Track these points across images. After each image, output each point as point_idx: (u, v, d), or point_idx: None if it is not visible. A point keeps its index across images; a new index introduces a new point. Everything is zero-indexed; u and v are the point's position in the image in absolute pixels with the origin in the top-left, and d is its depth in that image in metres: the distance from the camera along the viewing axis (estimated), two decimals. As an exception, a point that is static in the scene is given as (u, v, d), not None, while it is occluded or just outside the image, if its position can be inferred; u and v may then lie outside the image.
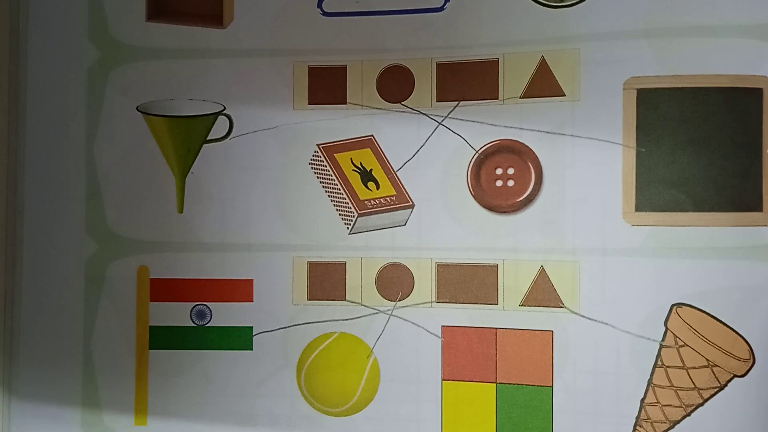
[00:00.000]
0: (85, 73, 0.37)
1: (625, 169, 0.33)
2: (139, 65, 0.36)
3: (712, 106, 0.33)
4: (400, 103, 0.35)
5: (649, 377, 0.33)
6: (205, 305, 0.36)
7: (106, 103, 0.37)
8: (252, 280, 0.36)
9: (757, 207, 0.33)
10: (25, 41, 0.37)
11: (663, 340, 0.33)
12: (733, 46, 0.33)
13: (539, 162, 0.34)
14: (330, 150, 0.36)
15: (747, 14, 0.33)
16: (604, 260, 0.33)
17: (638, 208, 0.33)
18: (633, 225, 0.33)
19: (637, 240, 0.33)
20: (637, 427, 0.33)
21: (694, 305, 0.33)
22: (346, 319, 0.36)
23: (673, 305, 0.33)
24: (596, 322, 0.33)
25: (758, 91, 0.33)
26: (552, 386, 0.34)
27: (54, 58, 0.37)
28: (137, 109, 0.36)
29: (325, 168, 0.36)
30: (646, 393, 0.33)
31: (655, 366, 0.33)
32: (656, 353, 0.33)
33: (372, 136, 0.36)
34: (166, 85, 0.36)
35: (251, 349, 0.36)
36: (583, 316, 0.34)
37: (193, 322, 0.36)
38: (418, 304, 0.35)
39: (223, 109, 0.36)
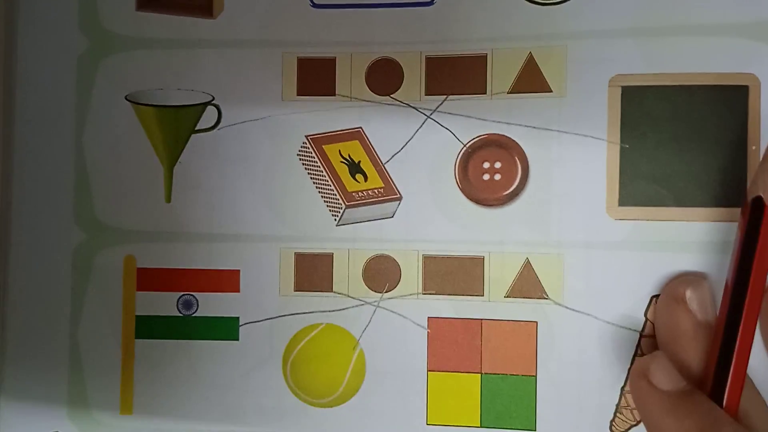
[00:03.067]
0: (75, 62, 0.39)
1: (610, 165, 0.36)
2: (129, 55, 0.39)
3: (696, 104, 0.36)
4: (389, 95, 0.38)
5: (629, 366, 0.36)
6: (191, 295, 0.39)
7: (95, 92, 0.39)
8: (239, 270, 0.39)
9: (739, 203, 0.36)
10: (15, 30, 0.39)
11: (643, 330, 0.36)
12: (719, 44, 0.36)
13: (526, 157, 0.37)
14: (318, 141, 0.39)
15: (734, 13, 0.36)
16: (588, 253, 0.36)
17: (621, 203, 0.36)
18: (616, 219, 0.36)
19: (620, 234, 0.36)
20: (618, 414, 0.36)
21: (675, 298, 0.36)
22: (333, 311, 0.39)
23: (652, 297, 0.36)
24: (579, 313, 0.36)
25: (744, 89, 0.36)
26: (536, 376, 0.37)
27: (44, 48, 0.39)
28: (126, 98, 0.39)
29: (313, 159, 0.39)
30: (626, 381, 0.36)
31: (635, 355, 0.36)
32: (636, 343, 0.36)
33: (361, 128, 0.38)
34: (155, 75, 0.39)
35: (237, 340, 0.39)
36: (566, 308, 0.37)
37: (180, 311, 0.39)
38: (405, 295, 0.38)
39: (212, 100, 0.39)
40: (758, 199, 0.32)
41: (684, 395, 0.30)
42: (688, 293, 0.33)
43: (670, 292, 0.34)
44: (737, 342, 0.30)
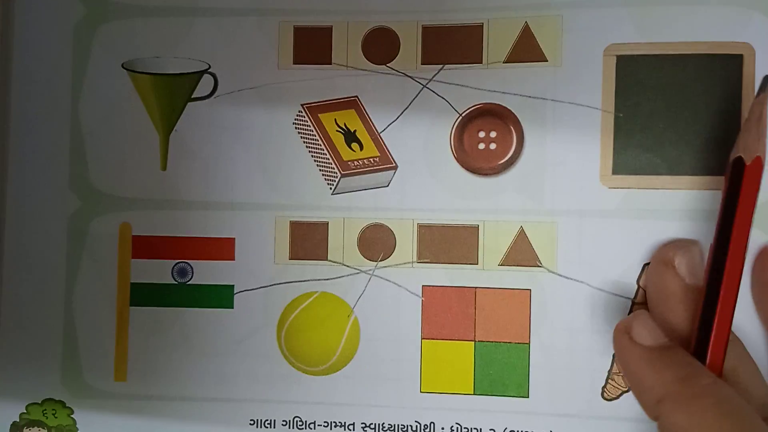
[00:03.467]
0: (71, 30, 0.39)
1: (604, 134, 0.37)
2: (126, 23, 0.39)
3: (690, 73, 0.36)
4: (385, 65, 0.39)
5: (621, 333, 0.37)
6: (186, 263, 0.39)
7: (91, 60, 0.39)
8: (234, 238, 0.39)
9: (732, 172, 0.36)
10: (11, -4, 0.40)
11: (635, 297, 0.37)
12: (714, 13, 0.36)
13: (521, 126, 0.38)
14: (314, 110, 0.39)
15: None
16: (582, 221, 0.37)
17: (615, 172, 0.37)
18: (610, 187, 0.37)
19: (613, 202, 0.37)
20: (609, 381, 0.37)
21: (667, 265, 0.36)
22: (328, 279, 0.39)
23: (645, 264, 0.36)
24: (573, 281, 0.37)
25: (738, 58, 0.36)
26: (529, 343, 0.37)
27: (41, 15, 0.39)
28: (122, 66, 0.39)
29: (309, 128, 0.39)
30: (617, 348, 0.37)
31: (627, 323, 0.37)
32: (628, 310, 0.37)
33: (356, 97, 0.39)
34: (152, 43, 0.39)
35: (232, 308, 0.39)
36: (560, 275, 0.37)
37: (175, 279, 0.39)
38: (400, 264, 0.39)
39: (208, 68, 0.39)
40: (739, 159, 0.32)
41: (664, 349, 0.31)
42: (677, 258, 0.33)
43: (659, 257, 0.34)
44: (720, 299, 0.31)
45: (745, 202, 0.31)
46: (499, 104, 0.38)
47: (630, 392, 0.36)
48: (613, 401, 0.37)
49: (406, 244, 0.38)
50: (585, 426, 0.37)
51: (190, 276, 0.39)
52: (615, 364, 0.37)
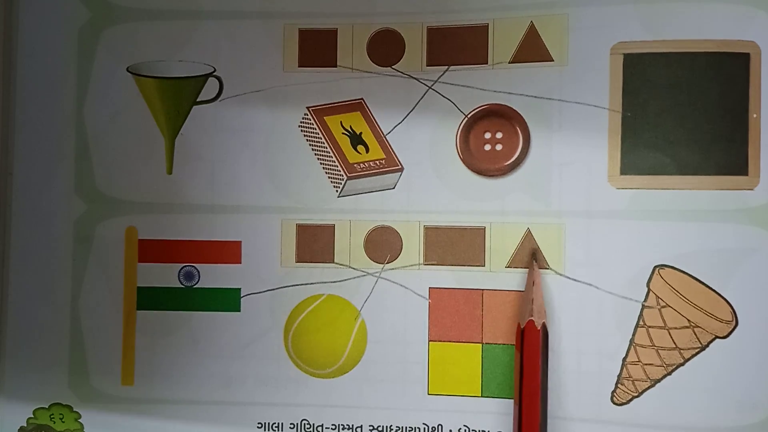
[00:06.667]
0: (76, 33, 0.39)
1: (611, 133, 0.36)
2: (130, 26, 0.39)
3: (698, 71, 0.36)
4: (390, 67, 0.38)
5: (631, 337, 0.36)
6: (193, 266, 0.39)
7: (96, 64, 0.39)
8: (240, 241, 0.39)
9: (742, 171, 0.35)
10: (17, 1, 0.39)
11: (645, 300, 0.36)
12: (720, 11, 0.35)
13: (527, 126, 0.37)
14: (320, 113, 0.38)
15: None
16: (589, 222, 0.36)
17: (623, 172, 0.36)
18: (618, 188, 0.36)
19: (621, 203, 0.36)
20: (619, 385, 0.36)
21: (677, 267, 0.36)
22: (334, 281, 0.38)
23: (655, 267, 0.36)
24: (580, 283, 0.36)
25: (745, 56, 0.36)
26: (536, 346, 0.37)
27: (45, 19, 0.39)
28: (127, 70, 0.39)
29: (314, 131, 0.38)
30: (627, 352, 0.36)
31: (637, 326, 0.36)
32: (638, 313, 0.36)
33: (362, 99, 0.38)
34: (156, 47, 0.39)
35: (239, 311, 0.39)
36: (567, 277, 0.36)
37: (181, 283, 0.39)
38: (406, 266, 0.38)
39: (213, 71, 0.39)
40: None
41: None
42: None
43: None
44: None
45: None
46: (505, 105, 0.37)
47: (641, 397, 0.36)
48: (623, 406, 0.36)
49: (413, 246, 0.38)
50: (595, 430, 0.36)
51: (196, 279, 0.39)
52: (625, 369, 0.36)
